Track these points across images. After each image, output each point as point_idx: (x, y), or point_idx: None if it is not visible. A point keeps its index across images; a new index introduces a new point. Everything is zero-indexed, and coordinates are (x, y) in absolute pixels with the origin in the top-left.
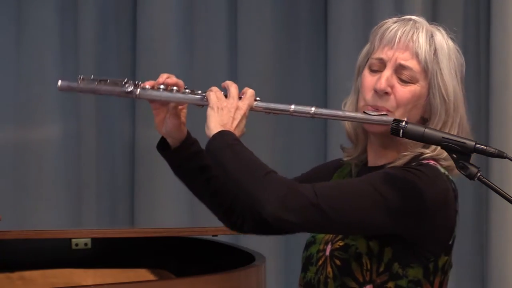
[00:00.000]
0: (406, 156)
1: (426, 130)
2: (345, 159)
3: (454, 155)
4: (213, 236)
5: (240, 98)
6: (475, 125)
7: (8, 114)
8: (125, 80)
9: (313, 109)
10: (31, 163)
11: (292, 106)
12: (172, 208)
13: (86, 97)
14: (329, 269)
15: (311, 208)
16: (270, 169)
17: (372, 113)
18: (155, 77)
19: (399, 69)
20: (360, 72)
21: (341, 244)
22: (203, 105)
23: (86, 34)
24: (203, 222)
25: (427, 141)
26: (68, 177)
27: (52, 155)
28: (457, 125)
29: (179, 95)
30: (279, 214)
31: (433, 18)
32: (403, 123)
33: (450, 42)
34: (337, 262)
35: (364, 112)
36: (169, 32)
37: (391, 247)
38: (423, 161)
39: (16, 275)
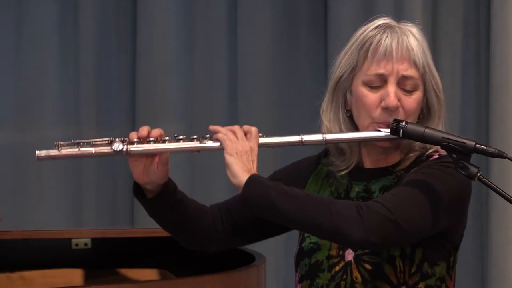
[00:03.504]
0: (411, 157)
1: (426, 130)
2: (341, 173)
3: (454, 155)
4: None
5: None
6: (475, 125)
7: (8, 115)
8: (110, 139)
9: (324, 136)
10: (31, 164)
11: (303, 137)
12: None
13: (86, 98)
14: (355, 274)
15: (390, 224)
16: (326, 197)
17: (386, 130)
18: (154, 77)
19: (402, 80)
20: (341, 84)
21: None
22: (200, 150)
23: (86, 34)
24: None
25: (427, 141)
26: (68, 177)
27: None
28: (444, 111)
29: (175, 145)
30: (365, 239)
31: (433, 18)
32: (403, 123)
33: (421, 32)
34: (367, 266)
35: (377, 130)
36: (169, 32)
37: (422, 247)
38: (433, 154)
39: (16, 275)
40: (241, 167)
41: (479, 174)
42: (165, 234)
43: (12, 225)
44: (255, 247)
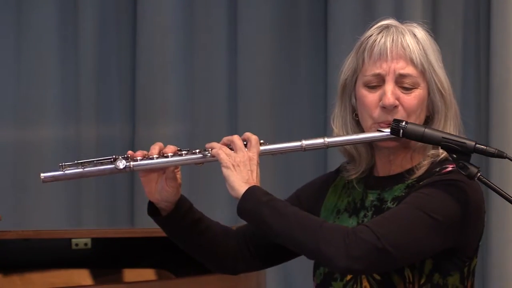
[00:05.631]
0: (424, 165)
1: (426, 130)
2: (351, 178)
3: (454, 155)
4: None
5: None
6: (475, 125)
7: (8, 114)
8: (113, 157)
9: (325, 140)
10: (31, 163)
11: (304, 142)
12: None
13: (86, 97)
14: (365, 283)
15: (377, 252)
16: (316, 219)
17: (387, 130)
18: (154, 76)
19: (400, 78)
20: (346, 88)
21: None
22: (203, 162)
23: (86, 34)
24: None
25: (427, 141)
26: None
27: (52, 155)
28: (454, 113)
29: (176, 158)
30: (348, 266)
31: (433, 18)
32: (403, 123)
33: (426, 33)
34: (376, 276)
35: (378, 130)
36: (169, 32)
37: (432, 258)
38: (447, 166)
39: (16, 275)
40: (239, 178)
41: (479, 174)
42: (165, 234)
43: (12, 225)
44: None
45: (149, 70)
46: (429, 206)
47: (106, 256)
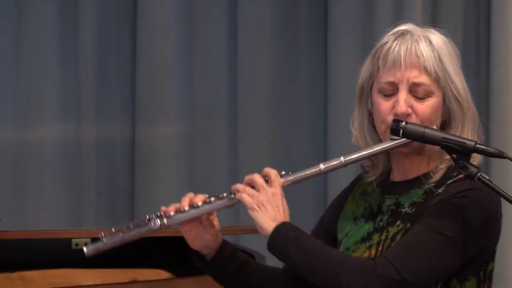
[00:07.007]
0: (441, 169)
1: (426, 130)
2: (369, 179)
3: (454, 155)
4: None
5: (266, 181)
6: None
7: (8, 114)
8: (148, 218)
9: (342, 159)
10: (31, 163)
11: (321, 166)
12: None
13: (86, 97)
14: None
15: (397, 285)
16: (340, 254)
17: (399, 138)
18: (154, 77)
19: (413, 87)
20: (364, 92)
21: None
22: (233, 205)
23: (86, 34)
24: None
25: (427, 141)
26: (68, 177)
27: (52, 155)
28: (472, 118)
29: (207, 206)
30: None
31: (433, 18)
32: (403, 123)
33: (444, 38)
34: None
35: (391, 139)
36: (169, 32)
37: None
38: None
39: (16, 275)
40: (266, 218)
41: (479, 174)
42: (165, 234)
43: (12, 225)
44: (255, 247)
45: (149, 70)
46: (444, 225)
47: (106, 256)
